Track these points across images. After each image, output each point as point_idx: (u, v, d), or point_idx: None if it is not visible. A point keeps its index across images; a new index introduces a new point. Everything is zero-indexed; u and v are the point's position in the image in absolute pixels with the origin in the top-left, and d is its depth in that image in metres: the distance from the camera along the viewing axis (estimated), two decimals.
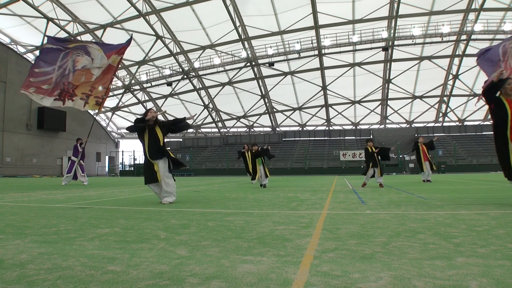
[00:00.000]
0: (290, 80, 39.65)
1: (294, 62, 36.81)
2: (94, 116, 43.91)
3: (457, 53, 34.76)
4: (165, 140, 5.79)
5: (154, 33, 33.27)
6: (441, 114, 41.86)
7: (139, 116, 5.96)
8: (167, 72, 38.30)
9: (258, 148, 11.20)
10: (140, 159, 39.83)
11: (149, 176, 5.46)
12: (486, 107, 4.80)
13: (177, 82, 39.91)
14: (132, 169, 40.03)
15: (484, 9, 28.70)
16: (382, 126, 43.69)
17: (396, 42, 33.26)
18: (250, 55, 35.49)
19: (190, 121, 7.06)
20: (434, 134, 40.74)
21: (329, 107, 42.71)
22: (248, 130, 47.35)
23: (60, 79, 9.13)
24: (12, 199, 6.32)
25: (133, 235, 2.74)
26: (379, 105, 41.88)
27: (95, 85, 9.61)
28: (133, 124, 5.68)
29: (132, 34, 10.43)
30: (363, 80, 38.58)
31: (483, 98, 4.79)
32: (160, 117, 5.95)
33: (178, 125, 5.90)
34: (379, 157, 9.70)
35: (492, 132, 4.67)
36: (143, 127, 5.52)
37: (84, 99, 9.59)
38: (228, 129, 48.23)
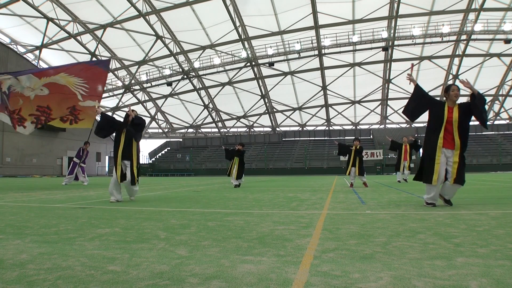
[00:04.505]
0: (290, 80, 39.66)
1: (294, 62, 36.82)
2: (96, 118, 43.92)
3: (457, 53, 34.76)
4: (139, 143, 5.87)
5: (154, 33, 33.27)
6: None
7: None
8: (167, 72, 38.30)
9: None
10: (140, 160, 39.79)
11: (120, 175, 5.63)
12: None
13: (177, 82, 39.91)
14: None
15: (484, 9, 28.71)
16: (382, 126, 43.69)
17: (396, 42, 33.26)
18: (250, 55, 35.49)
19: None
20: None
21: (329, 107, 42.72)
22: (248, 130, 47.35)
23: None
24: (12, 199, 6.32)
25: (133, 235, 2.74)
26: (379, 105, 41.89)
27: (49, 105, 9.53)
28: (104, 123, 5.78)
29: (110, 58, 10.82)
30: (363, 80, 38.60)
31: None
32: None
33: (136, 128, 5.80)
34: (357, 157, 9.79)
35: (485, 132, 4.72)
36: (121, 124, 5.66)
37: (34, 122, 9.59)
38: (228, 129, 48.24)
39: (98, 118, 6.04)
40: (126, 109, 6.06)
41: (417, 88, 4.72)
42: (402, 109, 4.97)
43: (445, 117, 4.43)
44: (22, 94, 9.16)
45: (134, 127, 5.66)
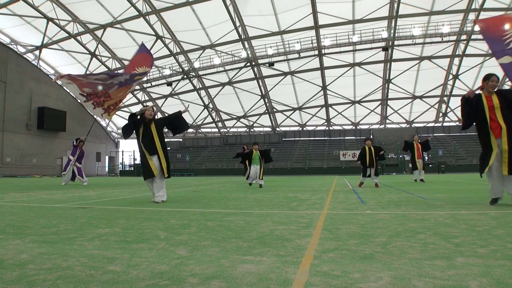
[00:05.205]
0: (290, 80, 39.64)
1: (294, 62, 36.80)
2: (94, 116, 44.01)
3: (457, 53, 34.75)
4: (165, 139, 5.80)
5: (154, 33, 33.27)
6: (441, 114, 41.86)
7: (134, 112, 5.97)
8: (167, 72, 38.29)
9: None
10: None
11: (146, 171, 5.51)
12: None
13: (177, 82, 39.90)
14: (132, 169, 40.00)
15: (484, 9, 28.69)
16: (382, 126, 43.68)
17: (396, 42, 33.24)
18: (250, 55, 35.49)
19: (185, 116, 6.96)
20: (434, 134, 40.77)
21: (329, 107, 42.71)
22: (248, 130, 47.35)
23: (101, 88, 9.24)
24: (12, 199, 6.32)
25: (133, 235, 2.74)
26: (379, 105, 41.88)
27: (118, 96, 9.80)
28: (128, 121, 5.75)
29: (142, 42, 11.41)
30: (363, 80, 38.58)
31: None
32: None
33: (174, 122, 5.90)
34: (376, 157, 9.66)
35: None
36: (139, 122, 5.61)
37: (105, 109, 9.74)
38: (228, 129, 48.22)
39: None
40: (126, 109, 6.06)
41: (462, 101, 4.69)
42: (462, 126, 4.87)
43: (485, 105, 4.40)
44: (128, 91, 9.55)
45: (171, 123, 5.72)
